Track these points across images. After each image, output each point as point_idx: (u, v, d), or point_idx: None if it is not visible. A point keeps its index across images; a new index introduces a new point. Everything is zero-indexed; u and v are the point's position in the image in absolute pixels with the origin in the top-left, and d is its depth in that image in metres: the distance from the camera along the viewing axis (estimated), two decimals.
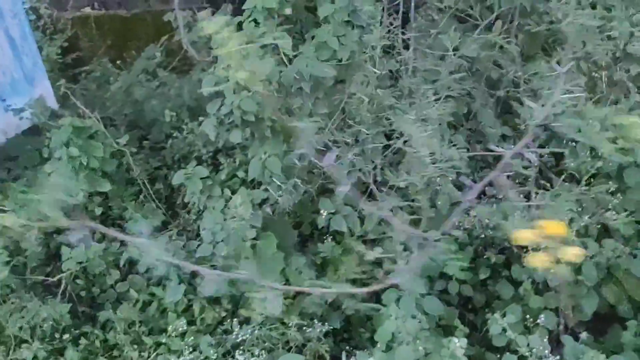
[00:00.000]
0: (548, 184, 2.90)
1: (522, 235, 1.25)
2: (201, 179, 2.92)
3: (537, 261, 1.25)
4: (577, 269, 2.75)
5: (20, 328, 2.83)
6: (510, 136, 3.30)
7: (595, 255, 2.75)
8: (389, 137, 2.89)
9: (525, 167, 2.53)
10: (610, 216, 2.78)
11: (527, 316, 2.66)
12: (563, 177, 2.83)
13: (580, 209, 2.80)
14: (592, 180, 3.07)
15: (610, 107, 1.72)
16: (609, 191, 2.98)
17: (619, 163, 3.02)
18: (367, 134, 2.63)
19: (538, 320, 2.59)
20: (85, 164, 3.02)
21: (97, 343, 2.87)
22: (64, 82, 3.69)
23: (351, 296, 3.07)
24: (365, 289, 2.15)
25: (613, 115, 1.63)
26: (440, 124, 2.86)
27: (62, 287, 3.06)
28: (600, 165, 2.78)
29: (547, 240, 1.27)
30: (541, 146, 3.10)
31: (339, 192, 2.28)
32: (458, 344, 2.17)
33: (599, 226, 2.87)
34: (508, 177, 2.52)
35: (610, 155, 1.65)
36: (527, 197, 3.04)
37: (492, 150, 2.10)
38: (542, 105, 2.09)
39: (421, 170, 2.35)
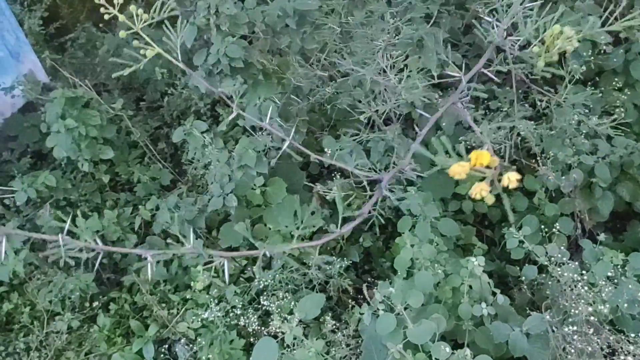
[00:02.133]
0: (552, 90, 2.83)
1: (455, 170, 1.21)
2: (201, 133, 2.89)
3: (476, 191, 1.21)
4: (590, 171, 2.72)
5: (50, 302, 2.90)
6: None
7: (608, 155, 2.71)
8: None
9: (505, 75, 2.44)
10: (620, 113, 2.72)
11: (543, 227, 2.65)
12: (567, 80, 2.76)
13: (587, 111, 2.74)
14: (597, 79, 3.00)
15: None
16: (616, 88, 2.91)
17: (624, 57, 2.94)
18: (345, 65, 2.54)
19: (554, 229, 2.58)
20: (84, 133, 3.00)
21: (127, 307, 2.94)
22: (49, 53, 3.62)
23: (367, 229, 3.09)
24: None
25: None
26: (435, 43, 2.78)
27: (84, 257, 3.10)
28: (604, 64, 2.68)
29: (482, 170, 1.22)
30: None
31: None
32: (476, 262, 2.17)
33: (609, 125, 2.82)
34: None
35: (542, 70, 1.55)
36: (533, 105, 2.98)
37: (450, 75, 2.01)
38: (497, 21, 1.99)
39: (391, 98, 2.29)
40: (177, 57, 1.93)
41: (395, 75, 2.26)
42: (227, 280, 2.50)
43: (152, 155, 3.45)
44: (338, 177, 3.05)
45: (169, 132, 3.60)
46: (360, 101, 2.83)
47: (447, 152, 1.37)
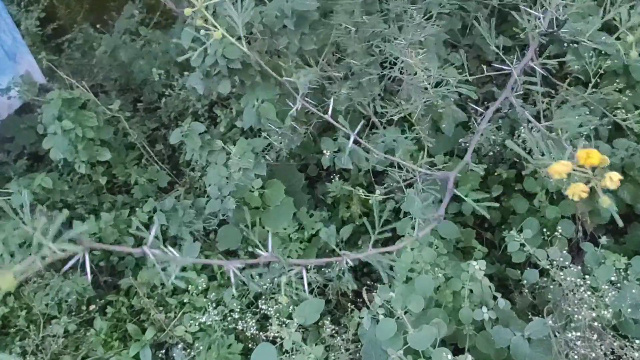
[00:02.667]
0: (553, 91, 2.81)
1: (556, 169, 1.15)
2: (199, 134, 2.86)
3: (575, 192, 1.16)
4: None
5: (47, 305, 2.88)
6: (510, 47, 3.17)
7: (609, 157, 2.69)
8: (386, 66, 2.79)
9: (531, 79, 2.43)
10: (621, 114, 2.70)
11: (544, 230, 2.62)
12: (568, 81, 2.74)
13: (588, 112, 2.72)
14: (598, 80, 2.97)
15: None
16: (617, 89, 2.89)
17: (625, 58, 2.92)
18: (357, 65, 2.52)
19: (556, 232, 2.56)
20: (81, 135, 2.97)
21: (124, 310, 2.91)
22: (45, 54, 3.59)
23: (365, 232, 3.06)
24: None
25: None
26: (435, 44, 2.76)
27: (80, 260, 3.08)
28: (605, 65, 2.66)
29: (583, 169, 1.17)
30: (541, 52, 2.98)
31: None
32: (477, 266, 2.15)
33: (610, 127, 2.80)
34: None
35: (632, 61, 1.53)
36: (533, 105, 2.95)
37: (493, 66, 2.00)
38: (545, 10, 1.98)
39: (418, 97, 2.26)
40: (241, 37, 1.80)
41: (424, 71, 2.23)
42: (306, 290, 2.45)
43: (149, 157, 3.42)
44: (337, 179, 3.03)
45: (167, 133, 3.57)
46: (360, 103, 2.81)
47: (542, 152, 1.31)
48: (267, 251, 1.65)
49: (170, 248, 1.28)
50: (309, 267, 2.72)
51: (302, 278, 2.59)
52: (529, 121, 1.98)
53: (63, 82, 3.42)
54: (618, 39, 1.74)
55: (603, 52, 2.92)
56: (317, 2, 2.46)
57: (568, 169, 1.17)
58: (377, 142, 2.82)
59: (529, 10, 2.01)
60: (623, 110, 2.73)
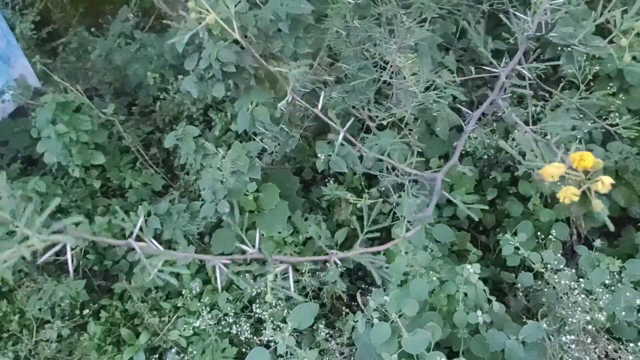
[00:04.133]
0: (547, 95, 2.82)
1: (549, 171, 1.15)
2: (194, 138, 2.86)
3: (567, 195, 1.16)
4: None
5: (40, 309, 2.86)
6: (503, 50, 3.18)
7: (602, 160, 2.70)
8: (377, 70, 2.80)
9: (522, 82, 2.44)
10: (614, 118, 2.70)
11: (539, 233, 2.63)
12: (562, 84, 2.74)
13: (582, 115, 2.73)
14: (592, 84, 2.98)
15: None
16: (611, 93, 2.90)
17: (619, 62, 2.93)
18: (349, 69, 2.52)
19: (550, 235, 2.56)
20: (75, 139, 2.96)
21: (118, 314, 2.90)
22: (40, 58, 3.58)
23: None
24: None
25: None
26: (430, 48, 2.77)
27: (74, 264, 3.07)
28: (599, 68, 2.67)
29: (575, 172, 1.17)
30: (538, 56, 2.99)
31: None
32: (472, 270, 2.15)
33: (603, 130, 2.80)
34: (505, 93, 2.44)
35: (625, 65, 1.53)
36: (527, 109, 2.96)
37: (483, 68, 2.01)
38: (534, 13, 1.99)
39: (408, 101, 2.27)
40: (234, 28, 1.81)
41: (413, 75, 2.24)
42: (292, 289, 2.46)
43: (144, 160, 3.41)
44: (332, 182, 3.02)
45: (161, 137, 3.56)
46: (354, 107, 2.81)
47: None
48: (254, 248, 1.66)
49: (155, 241, 1.28)
50: (298, 267, 2.72)
51: (290, 278, 2.60)
52: (517, 123, 1.99)
53: (57, 86, 3.41)
54: (611, 42, 1.75)
55: (597, 56, 2.93)
56: (311, 5, 2.46)
57: (561, 171, 1.17)
58: (371, 145, 2.82)
59: (517, 14, 2.02)
60: (617, 114, 2.74)
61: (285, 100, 2.00)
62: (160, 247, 1.27)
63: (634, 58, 1.53)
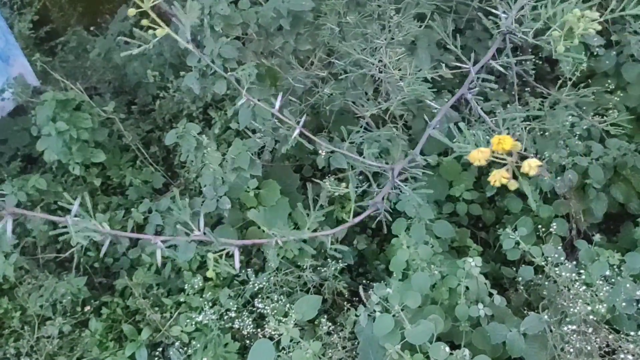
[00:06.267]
0: (546, 91, 2.84)
1: (474, 156, 1.19)
2: (194, 135, 2.87)
3: (496, 178, 1.19)
4: (584, 172, 2.74)
5: (41, 306, 2.86)
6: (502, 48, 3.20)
7: (601, 157, 2.73)
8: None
9: (497, 77, 2.47)
10: (612, 115, 2.73)
11: (539, 226, 2.65)
12: (560, 82, 2.77)
13: (580, 112, 2.76)
14: (589, 81, 3.01)
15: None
16: (609, 90, 2.93)
17: (616, 59, 2.96)
18: (341, 65, 2.54)
19: (550, 229, 2.58)
20: (75, 137, 2.97)
21: (119, 311, 2.90)
22: (39, 57, 3.59)
23: (361, 231, 3.08)
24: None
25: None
26: (429, 45, 2.79)
27: (75, 261, 3.07)
28: (595, 66, 2.70)
29: (503, 155, 1.20)
30: (534, 54, 3.02)
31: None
32: (473, 263, 2.17)
33: (602, 127, 2.83)
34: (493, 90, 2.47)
35: (561, 55, 1.58)
36: (525, 105, 2.98)
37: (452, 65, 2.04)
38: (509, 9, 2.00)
39: (395, 95, 2.29)
40: (187, 39, 1.88)
41: (399, 71, 2.26)
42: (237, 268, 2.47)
43: (144, 158, 3.42)
44: (332, 179, 3.03)
45: (161, 135, 3.57)
46: (354, 102, 2.82)
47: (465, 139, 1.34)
48: (199, 230, 1.73)
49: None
50: (299, 264, 2.73)
51: (299, 277, 2.61)
52: (480, 116, 2.05)
53: (57, 85, 3.41)
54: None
55: (595, 54, 2.96)
56: (312, 2, 2.48)
57: (486, 155, 1.20)
58: (370, 141, 2.84)
59: (491, 10, 2.04)
60: (615, 111, 2.77)
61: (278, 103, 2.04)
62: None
63: (567, 49, 1.57)
